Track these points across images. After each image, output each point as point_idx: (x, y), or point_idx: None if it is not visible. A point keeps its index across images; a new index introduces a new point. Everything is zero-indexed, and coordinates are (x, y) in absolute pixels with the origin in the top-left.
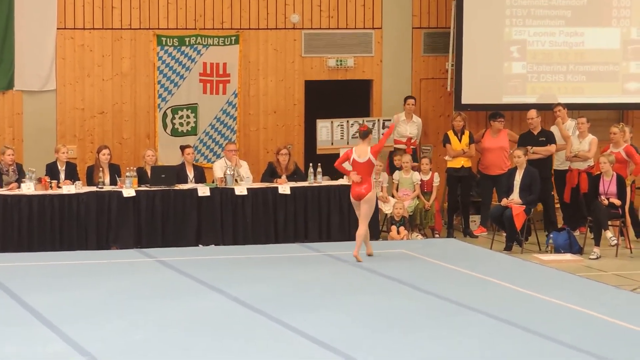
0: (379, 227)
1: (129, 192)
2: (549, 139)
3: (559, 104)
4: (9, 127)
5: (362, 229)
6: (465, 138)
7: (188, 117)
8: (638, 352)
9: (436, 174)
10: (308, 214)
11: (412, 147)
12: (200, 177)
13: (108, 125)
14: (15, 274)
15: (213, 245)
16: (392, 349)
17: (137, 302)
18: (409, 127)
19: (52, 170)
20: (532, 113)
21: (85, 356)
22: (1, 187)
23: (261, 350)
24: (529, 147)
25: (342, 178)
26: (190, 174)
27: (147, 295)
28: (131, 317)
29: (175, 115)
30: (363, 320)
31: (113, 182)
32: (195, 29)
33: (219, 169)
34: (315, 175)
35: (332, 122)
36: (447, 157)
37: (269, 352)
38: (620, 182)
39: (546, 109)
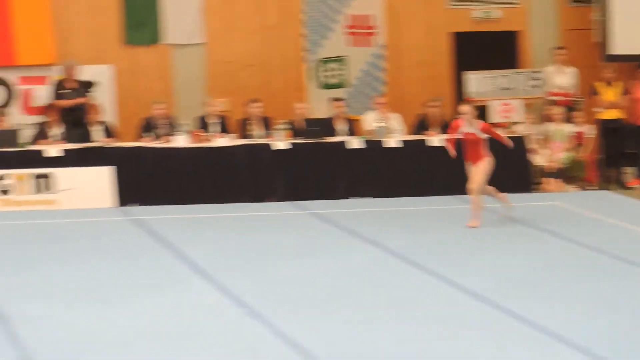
0: (530, 179)
1: (281, 144)
2: None
3: None
4: (160, 79)
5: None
6: (615, 89)
7: (337, 69)
8: None
9: (589, 125)
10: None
11: (567, 98)
12: (350, 130)
13: (257, 78)
14: (170, 226)
15: (364, 198)
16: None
17: (292, 255)
18: (561, 78)
19: (203, 123)
20: None
21: (242, 307)
22: (155, 139)
23: (421, 305)
24: None
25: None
26: (341, 126)
27: (303, 249)
28: (286, 270)
29: (324, 68)
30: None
31: (265, 134)
32: None
33: (369, 121)
34: None
35: (480, 74)
36: (596, 109)
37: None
38: None
39: None
